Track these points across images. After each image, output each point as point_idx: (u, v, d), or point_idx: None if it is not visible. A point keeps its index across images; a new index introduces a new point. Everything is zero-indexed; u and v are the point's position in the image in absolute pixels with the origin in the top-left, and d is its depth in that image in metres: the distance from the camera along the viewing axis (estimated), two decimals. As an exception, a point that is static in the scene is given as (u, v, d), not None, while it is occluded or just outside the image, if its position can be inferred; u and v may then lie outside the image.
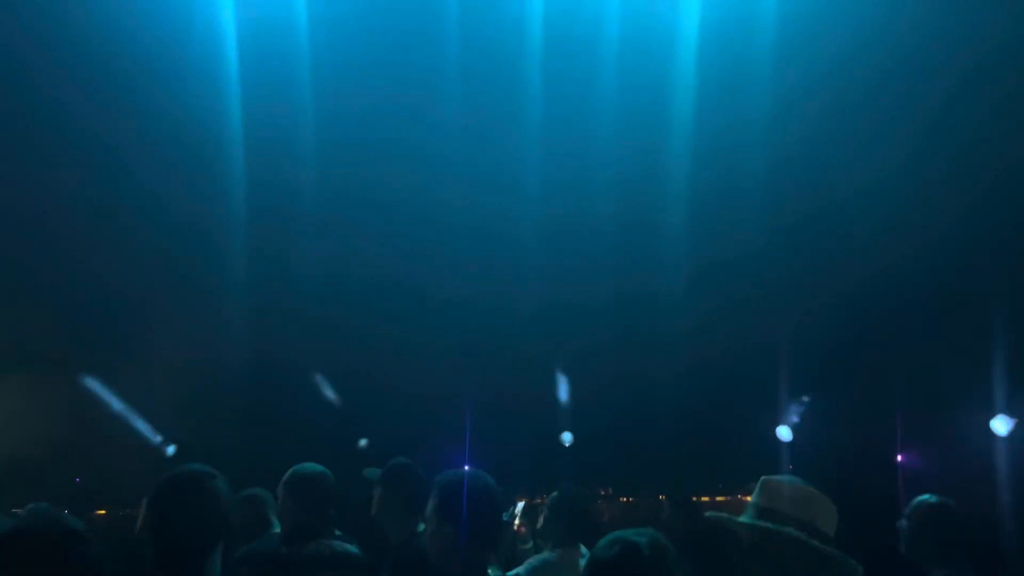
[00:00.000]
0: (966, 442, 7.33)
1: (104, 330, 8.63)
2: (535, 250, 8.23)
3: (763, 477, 2.77)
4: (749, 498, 2.90)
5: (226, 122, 7.65)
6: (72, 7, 7.18)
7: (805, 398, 8.26)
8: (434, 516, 2.99)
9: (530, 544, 4.76)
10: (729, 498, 6.76)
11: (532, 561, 4.26)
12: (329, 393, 8.40)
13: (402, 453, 3.96)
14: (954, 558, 3.70)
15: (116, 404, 8.30)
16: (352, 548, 3.64)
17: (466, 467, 3.22)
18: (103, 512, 6.60)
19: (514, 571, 4.10)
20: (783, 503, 2.63)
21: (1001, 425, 7.44)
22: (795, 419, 8.26)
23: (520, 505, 4.62)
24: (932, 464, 7.08)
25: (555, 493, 4.59)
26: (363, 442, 7.54)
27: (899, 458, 7.26)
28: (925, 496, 3.86)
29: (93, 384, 8.29)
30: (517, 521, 4.53)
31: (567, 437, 7.67)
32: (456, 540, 2.92)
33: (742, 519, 2.71)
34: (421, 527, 3.52)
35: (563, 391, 8.50)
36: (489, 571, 3.14)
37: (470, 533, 2.92)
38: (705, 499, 6.50)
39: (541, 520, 4.55)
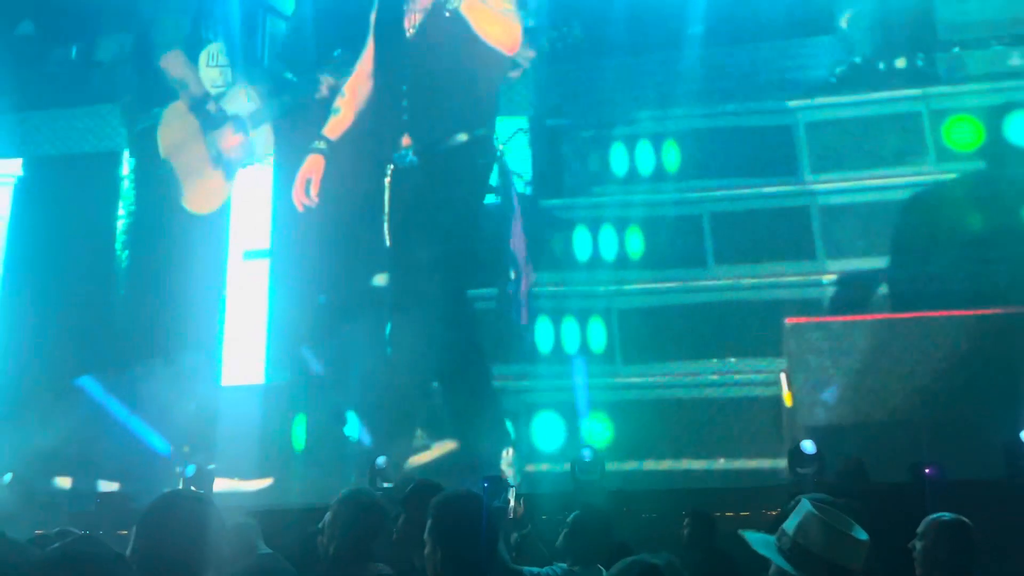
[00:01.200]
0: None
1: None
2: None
3: (799, 498, 2.78)
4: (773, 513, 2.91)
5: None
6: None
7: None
8: (428, 539, 2.99)
9: (528, 528, 4.79)
10: (750, 513, 6.55)
11: (555, 568, 4.10)
12: None
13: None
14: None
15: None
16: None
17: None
18: (124, 532, 6.65)
19: (531, 568, 3.99)
20: (818, 545, 2.61)
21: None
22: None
23: (512, 491, 4.69)
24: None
25: (576, 512, 4.52)
26: (381, 460, 7.44)
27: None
28: (938, 514, 3.73)
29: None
30: (512, 504, 4.55)
31: (587, 453, 7.45)
32: (445, 563, 2.92)
33: (771, 552, 2.69)
34: None
35: None
36: None
37: (460, 556, 2.93)
38: (729, 514, 6.31)
39: (561, 537, 4.48)
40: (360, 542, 3.52)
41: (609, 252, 8.90)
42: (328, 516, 3.60)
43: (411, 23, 8.60)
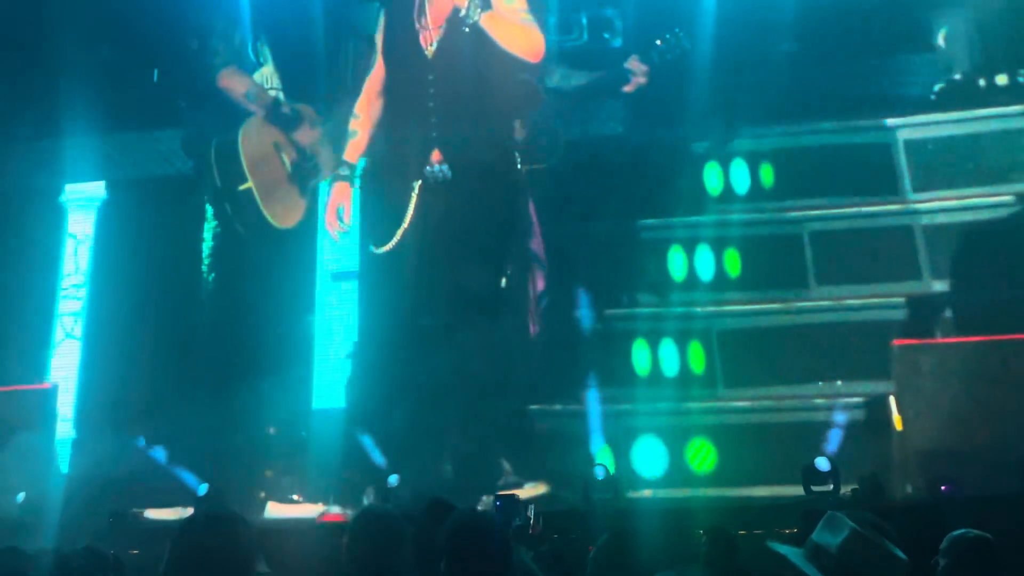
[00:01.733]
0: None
1: None
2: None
3: (829, 512, 2.66)
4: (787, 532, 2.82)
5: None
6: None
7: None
8: (443, 559, 3.03)
9: (544, 547, 4.79)
10: (763, 531, 6.36)
11: None
12: None
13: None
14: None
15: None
16: None
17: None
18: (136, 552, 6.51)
19: None
20: (865, 564, 2.53)
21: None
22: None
23: (532, 508, 4.70)
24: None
25: (606, 535, 4.25)
26: (393, 479, 7.24)
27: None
28: (962, 531, 3.65)
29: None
30: (532, 521, 4.59)
31: (599, 471, 7.32)
32: None
33: (812, 571, 2.57)
34: None
35: None
36: None
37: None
38: (742, 532, 6.15)
39: (591, 564, 4.23)
40: (382, 562, 3.38)
41: (706, 272, 8.74)
42: (346, 539, 3.46)
43: (428, 41, 8.50)
